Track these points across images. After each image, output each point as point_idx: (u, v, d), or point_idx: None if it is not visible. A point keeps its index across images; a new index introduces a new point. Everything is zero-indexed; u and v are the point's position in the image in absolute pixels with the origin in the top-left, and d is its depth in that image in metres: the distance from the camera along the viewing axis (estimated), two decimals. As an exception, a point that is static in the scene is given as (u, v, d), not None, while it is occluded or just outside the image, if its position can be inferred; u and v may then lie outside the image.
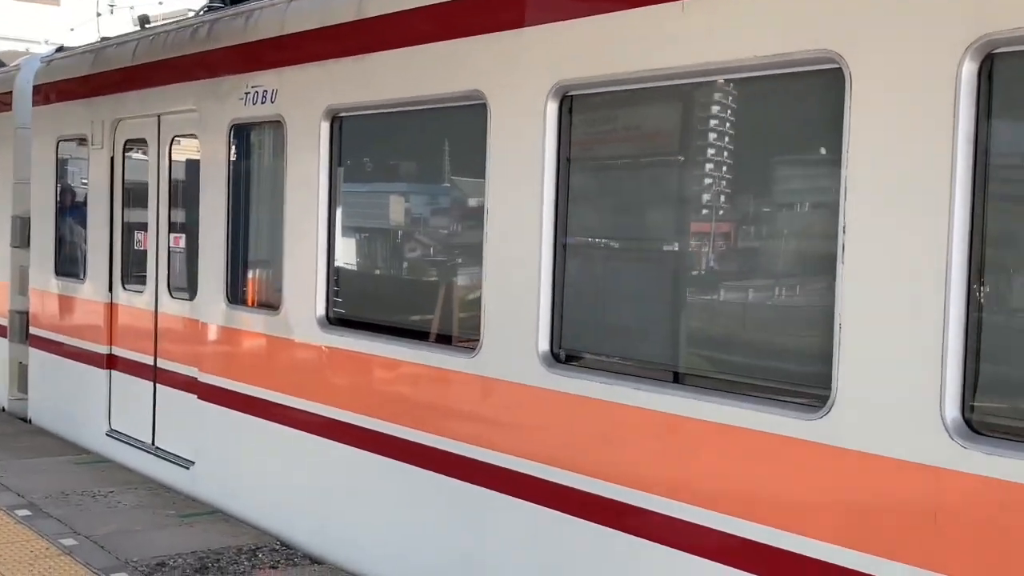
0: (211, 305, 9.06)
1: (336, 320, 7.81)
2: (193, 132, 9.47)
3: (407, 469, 6.97)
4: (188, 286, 9.73)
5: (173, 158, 9.93)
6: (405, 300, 7.61)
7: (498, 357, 6.30)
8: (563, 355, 6.09)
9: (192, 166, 9.78)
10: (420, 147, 7.55)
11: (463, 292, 7.06)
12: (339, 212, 7.86)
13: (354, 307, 7.85)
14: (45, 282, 11.95)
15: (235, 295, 8.94)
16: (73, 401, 11.43)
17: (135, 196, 10.69)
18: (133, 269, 10.69)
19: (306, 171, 7.92)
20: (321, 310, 7.83)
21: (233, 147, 8.90)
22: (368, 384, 7.39)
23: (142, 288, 10.27)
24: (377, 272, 8.09)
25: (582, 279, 6.11)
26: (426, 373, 6.83)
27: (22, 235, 12.53)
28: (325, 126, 7.80)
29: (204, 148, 9.20)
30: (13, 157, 12.79)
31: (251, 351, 8.69)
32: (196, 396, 9.28)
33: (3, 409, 13.05)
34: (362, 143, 7.88)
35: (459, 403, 6.63)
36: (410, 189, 7.76)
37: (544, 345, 6.08)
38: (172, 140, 9.87)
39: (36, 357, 12.17)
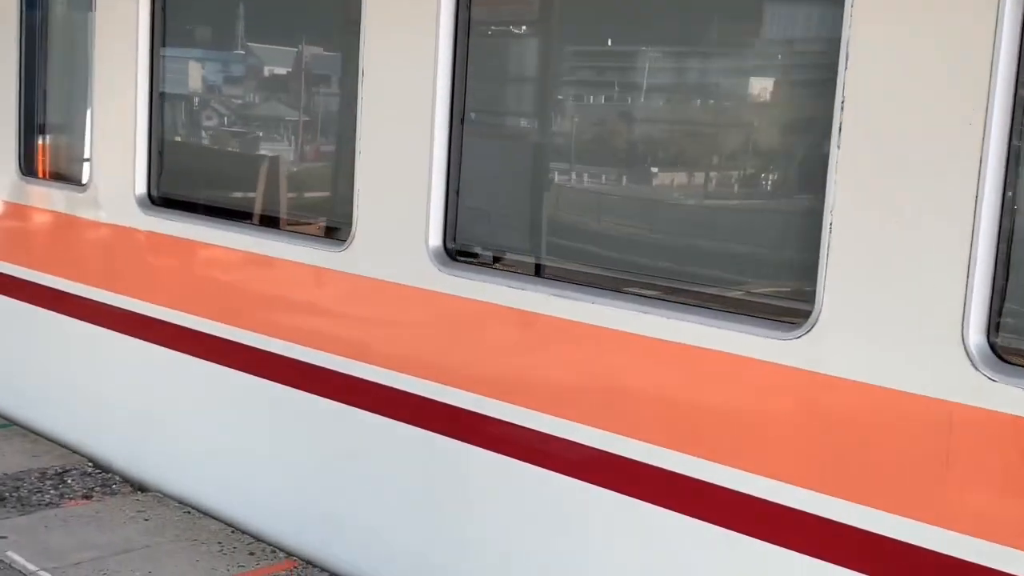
0: (3, 178, 7.49)
1: (162, 201, 6.47)
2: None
3: (242, 379, 5.84)
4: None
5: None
6: (253, 178, 6.34)
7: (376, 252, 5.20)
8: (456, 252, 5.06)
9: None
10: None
11: (329, 171, 5.89)
12: (165, 64, 6.46)
13: (186, 185, 6.52)
14: None
15: (30, 166, 7.40)
16: None
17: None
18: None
19: (122, 13, 6.44)
20: (142, 187, 6.47)
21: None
22: (204, 279, 6.15)
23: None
24: (215, 146, 6.75)
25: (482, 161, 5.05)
26: (287, 269, 5.64)
27: None
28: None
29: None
30: None
31: (52, 233, 7.23)
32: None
33: None
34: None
35: (326, 305, 5.51)
36: (258, 45, 6.42)
37: (436, 240, 5.01)
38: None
39: None
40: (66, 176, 7.22)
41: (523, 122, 5.36)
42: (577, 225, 5.07)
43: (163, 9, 6.37)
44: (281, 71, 6.39)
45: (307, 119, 6.15)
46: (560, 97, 5.09)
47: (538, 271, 4.86)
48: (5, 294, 7.45)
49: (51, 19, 7.39)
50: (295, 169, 6.17)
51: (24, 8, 7.24)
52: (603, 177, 4.96)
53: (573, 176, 5.04)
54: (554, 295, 4.52)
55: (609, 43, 4.91)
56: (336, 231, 5.62)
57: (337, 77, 5.88)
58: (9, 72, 7.29)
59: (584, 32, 4.91)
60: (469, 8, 4.87)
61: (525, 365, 4.70)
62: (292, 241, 5.61)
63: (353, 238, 5.25)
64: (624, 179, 4.90)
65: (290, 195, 6.10)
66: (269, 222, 5.99)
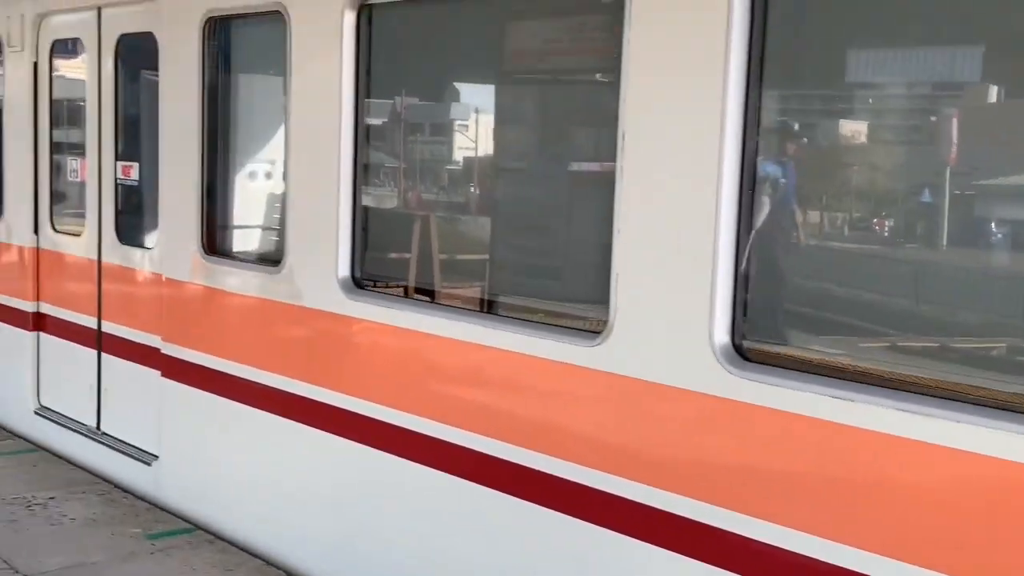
0: (179, 255, 6.94)
1: (368, 283, 5.82)
2: (149, 29, 7.25)
3: (484, 495, 5.09)
4: (144, 230, 7.60)
5: (121, 63, 7.68)
6: (479, 258, 5.64)
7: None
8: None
9: (148, 75, 7.58)
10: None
11: (578, 251, 5.18)
12: (370, 132, 5.84)
13: (397, 267, 5.86)
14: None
15: (213, 244, 6.84)
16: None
17: (69, 113, 8.44)
18: (66, 206, 8.47)
19: (320, 78, 5.84)
20: (346, 268, 5.82)
21: (209, 49, 6.72)
22: (426, 375, 5.43)
23: (80, 230, 8.06)
24: (430, 221, 6.08)
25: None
26: (528, 365, 4.88)
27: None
28: (350, 18, 5.70)
29: (166, 51, 7.00)
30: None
31: (238, 318, 6.64)
32: (160, 372, 7.21)
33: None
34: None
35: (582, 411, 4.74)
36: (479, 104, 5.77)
37: (722, 336, 4.20)
38: (119, 41, 7.61)
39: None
40: (256, 256, 6.64)
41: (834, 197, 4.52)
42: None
43: (367, 73, 5.75)
44: (501, 143, 5.72)
45: (539, 194, 5.44)
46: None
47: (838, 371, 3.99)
48: (191, 384, 6.88)
49: (236, 89, 6.87)
50: (528, 248, 5.45)
51: (206, 78, 6.72)
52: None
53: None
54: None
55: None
56: (580, 320, 4.88)
57: (590, 143, 5.15)
58: (190, 145, 6.76)
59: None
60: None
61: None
62: (531, 332, 4.86)
63: (611, 332, 4.48)
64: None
65: (520, 276, 5.38)
66: (500, 308, 5.28)
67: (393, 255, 5.98)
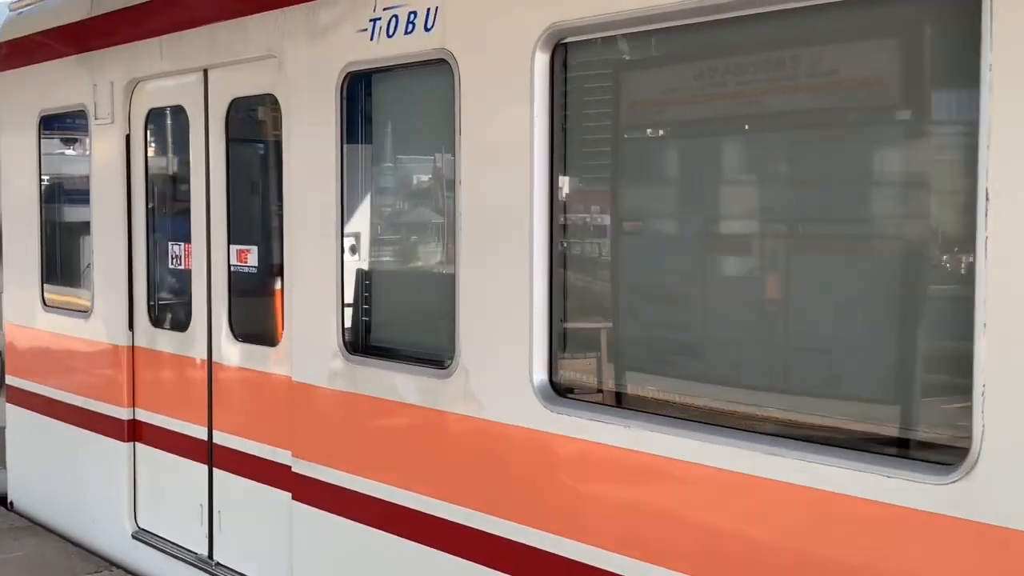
0: (314, 354, 5.83)
1: (572, 391, 4.67)
2: (268, 91, 6.23)
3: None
4: (266, 324, 6.52)
5: (232, 132, 6.65)
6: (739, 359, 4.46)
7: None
8: None
9: (266, 146, 6.56)
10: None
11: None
12: (568, 202, 4.71)
13: (617, 371, 4.70)
14: (27, 313, 8.59)
15: (356, 340, 5.72)
16: (77, 484, 8.11)
17: (168, 191, 7.42)
18: (168, 297, 7.42)
19: (502, 137, 4.74)
20: (542, 372, 4.66)
21: (347, 110, 5.66)
22: (672, 515, 4.23)
23: (184, 326, 6.99)
24: (673, 310, 4.91)
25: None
26: (829, 506, 3.67)
27: (-11, 249, 9.17)
28: (542, 61, 4.61)
29: (293, 115, 5.95)
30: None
31: (392, 432, 5.48)
32: (290, 494, 6.07)
33: (-30, 485, 9.67)
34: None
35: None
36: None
37: None
38: (230, 106, 6.59)
39: (17, 416, 8.81)
40: (416, 354, 5.50)
41: None
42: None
43: (563, 130, 4.64)
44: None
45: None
46: None
47: None
48: (332, 511, 5.71)
49: (382, 155, 5.80)
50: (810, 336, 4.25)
51: (344, 143, 5.65)
52: None
53: None
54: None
55: None
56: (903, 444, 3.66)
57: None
58: (325, 223, 5.67)
59: None
60: None
61: None
62: (842, 461, 3.64)
63: (978, 467, 3.27)
64: None
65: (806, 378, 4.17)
66: (785, 424, 4.06)
67: (603, 353, 4.80)
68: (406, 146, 5.78)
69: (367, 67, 5.50)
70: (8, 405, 8.84)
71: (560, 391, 4.64)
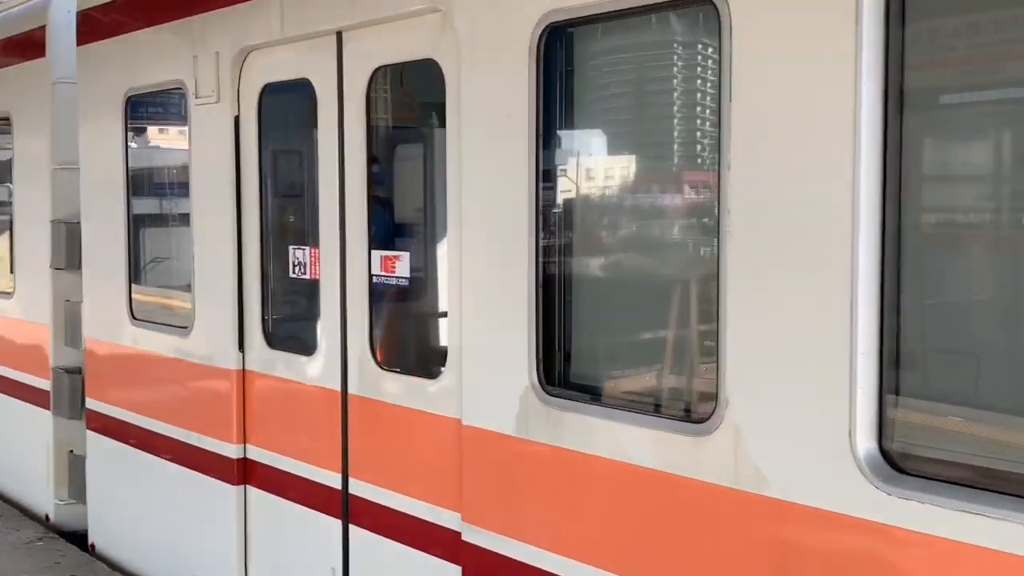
0: (491, 392, 4.51)
1: (914, 465, 3.31)
2: (427, 56, 4.90)
3: None
4: (420, 351, 5.22)
5: (375, 111, 5.33)
6: None
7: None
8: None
9: (422, 126, 5.26)
10: None
11: None
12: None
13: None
14: (112, 328, 7.35)
15: (552, 374, 4.38)
16: (175, 529, 6.87)
17: (289, 184, 6.14)
18: (288, 314, 6.15)
19: (802, 109, 3.40)
20: (868, 439, 3.30)
21: (543, 77, 4.31)
22: None
23: (310, 348, 5.70)
24: None
25: None
26: None
27: (69, 251, 7.92)
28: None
29: (463, 87, 4.63)
30: (51, 127, 8.16)
31: (617, 504, 4.13)
32: (460, 569, 4.76)
33: (47, 519, 8.47)
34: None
35: None
36: None
37: None
38: (373, 76, 5.27)
39: (99, 446, 7.57)
40: (650, 400, 4.16)
41: None
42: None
43: (899, 95, 3.27)
44: None
45: None
46: None
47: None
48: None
49: (599, 136, 4.46)
50: None
51: (540, 115, 4.31)
52: None
53: None
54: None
55: None
56: None
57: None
58: (515, 224, 4.34)
59: None
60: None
61: None
62: None
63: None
64: None
65: None
66: None
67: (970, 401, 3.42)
68: (630, 123, 4.43)
69: (576, 16, 4.16)
70: (88, 433, 7.63)
71: (896, 463, 3.28)
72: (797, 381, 3.45)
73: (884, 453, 3.28)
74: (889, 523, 3.22)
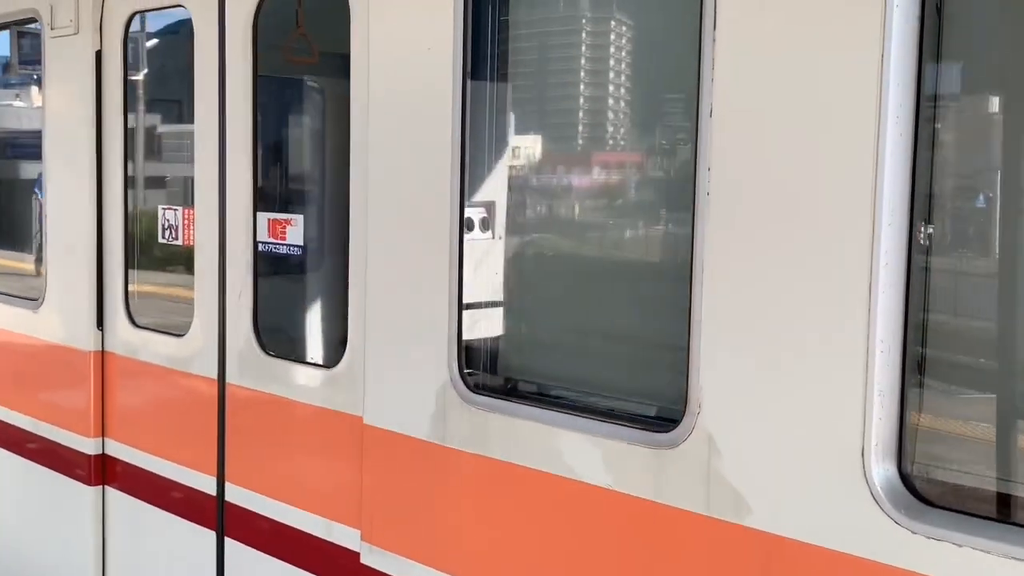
0: (408, 392, 3.73)
1: None
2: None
3: None
4: (313, 333, 4.39)
5: (262, 51, 4.44)
6: None
7: None
8: None
9: (323, 68, 4.42)
10: None
11: None
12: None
13: None
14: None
15: (476, 366, 3.60)
16: (27, 535, 5.89)
17: (158, 131, 5.22)
18: (155, 285, 5.23)
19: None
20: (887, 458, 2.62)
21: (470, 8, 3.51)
22: None
23: (182, 328, 4.82)
24: None
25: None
26: None
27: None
28: None
29: (371, 15, 3.80)
30: None
31: (564, 526, 3.39)
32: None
33: None
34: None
35: None
36: None
37: None
38: (260, 6, 4.40)
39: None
40: (600, 402, 3.39)
41: None
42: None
43: None
44: None
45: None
46: None
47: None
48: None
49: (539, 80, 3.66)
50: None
51: (465, 72, 3.51)
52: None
53: None
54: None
55: None
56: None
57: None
58: (431, 195, 3.54)
59: None
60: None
61: None
62: None
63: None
64: None
65: None
66: None
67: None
68: (573, 64, 3.65)
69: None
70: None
71: (920, 492, 2.60)
72: (792, 384, 2.74)
73: (905, 479, 2.60)
74: (911, 570, 2.54)
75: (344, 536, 4.03)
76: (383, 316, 3.82)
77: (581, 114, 3.61)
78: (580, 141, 3.65)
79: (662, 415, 3.14)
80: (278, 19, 4.55)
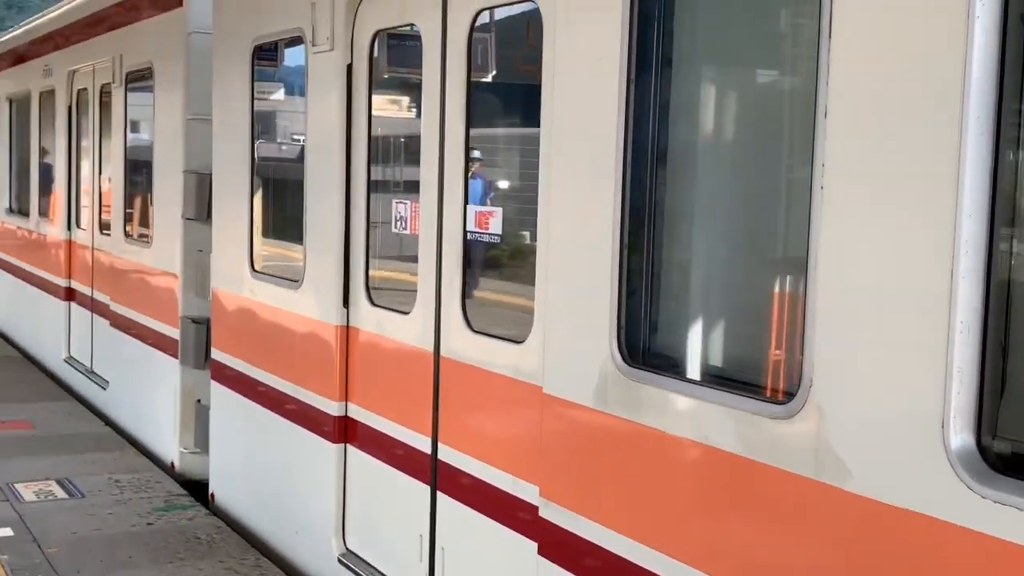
0: (572, 362, 4.20)
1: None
2: (526, -2, 4.59)
3: None
4: (510, 313, 4.94)
5: (476, 59, 5.05)
6: None
7: None
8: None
9: (520, 78, 4.95)
10: None
11: None
12: None
13: None
14: (235, 279, 7.37)
15: (637, 347, 4.02)
16: (282, 484, 6.85)
17: (395, 137, 5.95)
18: (389, 269, 5.97)
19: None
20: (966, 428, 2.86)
21: (637, 19, 3.93)
22: None
23: (407, 307, 5.51)
24: None
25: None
26: None
27: (199, 201, 7.98)
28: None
29: (557, 32, 4.29)
30: (184, 79, 8.23)
31: (693, 486, 3.77)
32: (536, 545, 4.48)
33: (172, 466, 8.63)
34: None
35: None
36: None
37: None
38: (475, 20, 5.00)
39: (221, 397, 7.65)
40: (730, 377, 3.76)
41: None
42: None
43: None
44: None
45: None
46: None
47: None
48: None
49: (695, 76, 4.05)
50: None
51: (631, 72, 3.93)
52: None
53: None
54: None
55: None
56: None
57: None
58: (598, 182, 3.99)
59: None
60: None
61: None
62: None
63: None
64: None
65: None
66: None
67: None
68: (731, 69, 4.01)
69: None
70: (212, 383, 7.69)
71: (996, 462, 2.81)
72: (886, 362, 3.00)
73: (981, 448, 2.82)
74: (982, 531, 2.76)
75: (526, 491, 4.55)
76: (559, 298, 4.31)
77: (723, 113, 3.96)
78: (724, 140, 4.00)
79: (781, 389, 3.45)
80: (502, 32, 5.14)
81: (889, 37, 3.02)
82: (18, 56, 14.00)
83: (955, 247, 2.80)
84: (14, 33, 14.94)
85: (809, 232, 3.21)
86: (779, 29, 3.80)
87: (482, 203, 4.98)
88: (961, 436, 2.82)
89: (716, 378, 3.80)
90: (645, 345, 4.01)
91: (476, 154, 5.02)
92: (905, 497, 2.94)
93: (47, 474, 8.40)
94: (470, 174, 5.01)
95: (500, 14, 4.97)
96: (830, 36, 3.14)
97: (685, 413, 3.73)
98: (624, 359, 3.95)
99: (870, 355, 3.06)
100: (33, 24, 13.58)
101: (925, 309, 2.88)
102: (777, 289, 3.67)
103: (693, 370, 3.92)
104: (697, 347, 3.99)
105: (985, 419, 2.83)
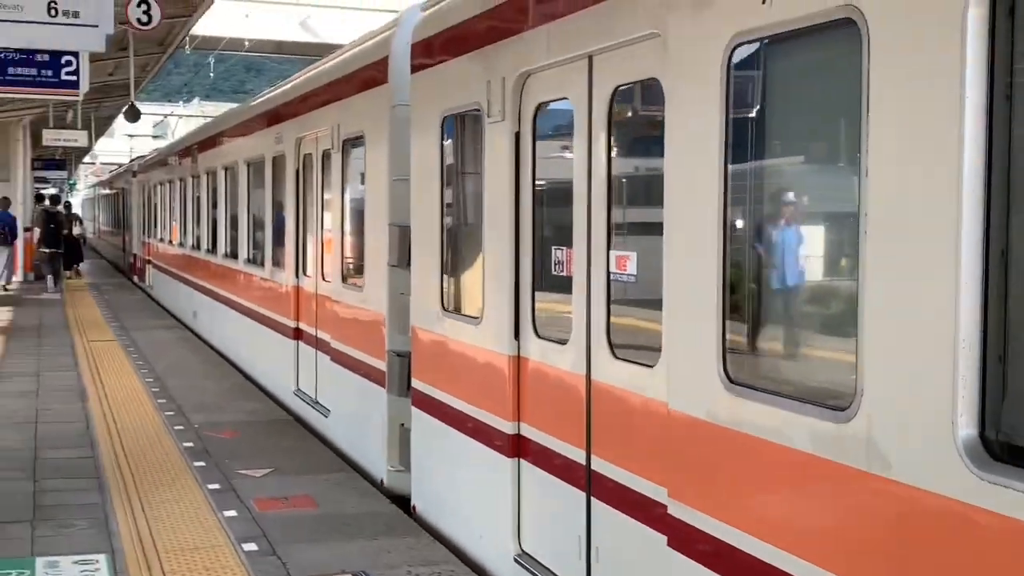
0: (693, 382, 4.99)
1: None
2: (651, 75, 5.44)
3: None
4: (644, 341, 5.76)
5: (615, 127, 5.95)
6: None
7: None
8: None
9: (651, 141, 5.79)
10: None
11: None
12: None
13: None
14: (429, 318, 8.48)
15: (741, 369, 4.78)
16: (468, 495, 7.85)
17: (553, 191, 6.89)
18: (547, 305, 6.89)
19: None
20: (969, 421, 3.51)
21: (732, 91, 4.74)
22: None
23: (564, 338, 6.41)
24: None
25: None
26: None
27: (400, 250, 9.16)
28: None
29: (673, 101, 5.14)
30: (389, 146, 9.47)
31: (782, 483, 4.50)
32: (665, 539, 5.26)
33: (382, 483, 9.80)
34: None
35: None
36: None
37: None
38: (613, 95, 5.90)
39: (419, 420, 8.74)
40: (805, 390, 4.49)
41: None
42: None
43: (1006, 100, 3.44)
44: None
45: None
46: None
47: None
48: (712, 567, 4.85)
49: (776, 138, 4.82)
50: None
51: (728, 137, 4.74)
52: None
53: None
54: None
55: None
56: None
57: None
58: (704, 220, 4.79)
59: None
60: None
61: None
62: None
63: None
64: None
65: None
66: None
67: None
68: (798, 126, 4.76)
69: (757, 37, 4.56)
70: (413, 408, 8.80)
71: (995, 451, 3.45)
72: (914, 372, 3.68)
73: (984, 441, 3.46)
74: (986, 508, 3.40)
75: (656, 493, 5.35)
76: (677, 330, 5.11)
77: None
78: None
79: (841, 398, 4.15)
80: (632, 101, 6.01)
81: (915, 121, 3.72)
82: (252, 127, 15.86)
83: (957, 283, 3.48)
84: (251, 104, 16.87)
85: (859, 278, 3.94)
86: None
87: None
88: (966, 431, 3.48)
89: (798, 391, 4.51)
90: (743, 368, 4.77)
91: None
92: (928, 481, 3.62)
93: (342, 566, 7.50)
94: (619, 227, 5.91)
95: (632, 88, 5.83)
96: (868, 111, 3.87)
97: (774, 422, 4.46)
98: (728, 380, 4.72)
99: (898, 368, 3.75)
100: (264, 98, 15.38)
101: (936, 331, 3.56)
102: (834, 316, 4.38)
103: (785, 387, 4.64)
104: (789, 368, 4.72)
105: (987, 416, 3.47)
